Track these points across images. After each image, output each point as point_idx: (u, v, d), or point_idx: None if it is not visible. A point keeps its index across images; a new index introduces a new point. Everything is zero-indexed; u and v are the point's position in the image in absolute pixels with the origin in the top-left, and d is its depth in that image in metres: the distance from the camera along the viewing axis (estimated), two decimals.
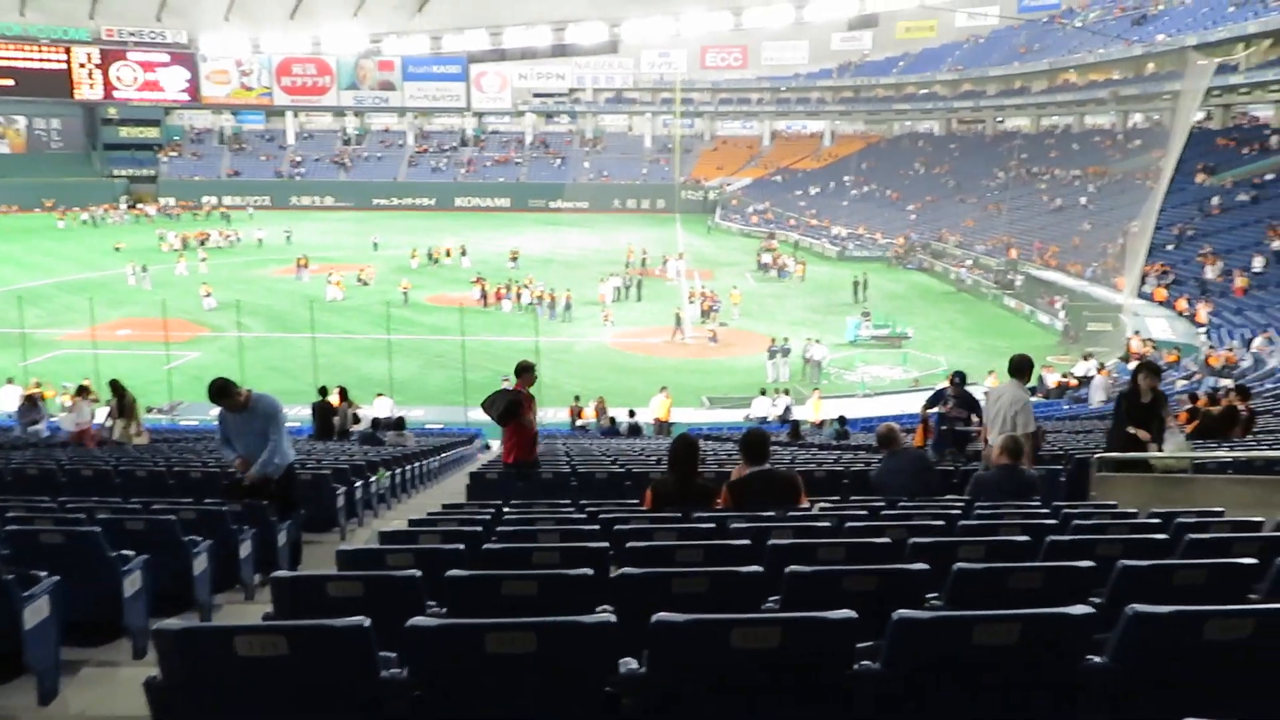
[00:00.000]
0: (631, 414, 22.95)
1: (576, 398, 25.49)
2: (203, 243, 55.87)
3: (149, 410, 26.01)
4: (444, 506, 7.45)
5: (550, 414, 26.23)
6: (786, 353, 30.87)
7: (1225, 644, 2.34)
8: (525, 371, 9.40)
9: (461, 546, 4.38)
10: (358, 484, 10.11)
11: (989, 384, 23.54)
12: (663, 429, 23.67)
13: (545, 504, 7.11)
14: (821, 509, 6.26)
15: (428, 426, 24.55)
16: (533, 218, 73.41)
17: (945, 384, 12.01)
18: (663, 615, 2.33)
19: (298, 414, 23.86)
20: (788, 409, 24.96)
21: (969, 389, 11.74)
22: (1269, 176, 43.69)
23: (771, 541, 4.23)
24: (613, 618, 2.49)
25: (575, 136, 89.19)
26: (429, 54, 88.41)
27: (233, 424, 7.40)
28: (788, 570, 3.27)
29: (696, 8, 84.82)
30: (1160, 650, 2.35)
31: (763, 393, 25.96)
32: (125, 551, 4.91)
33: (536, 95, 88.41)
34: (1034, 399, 21.55)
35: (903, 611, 2.36)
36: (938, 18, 77.14)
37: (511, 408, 9.11)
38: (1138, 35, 55.83)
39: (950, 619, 2.32)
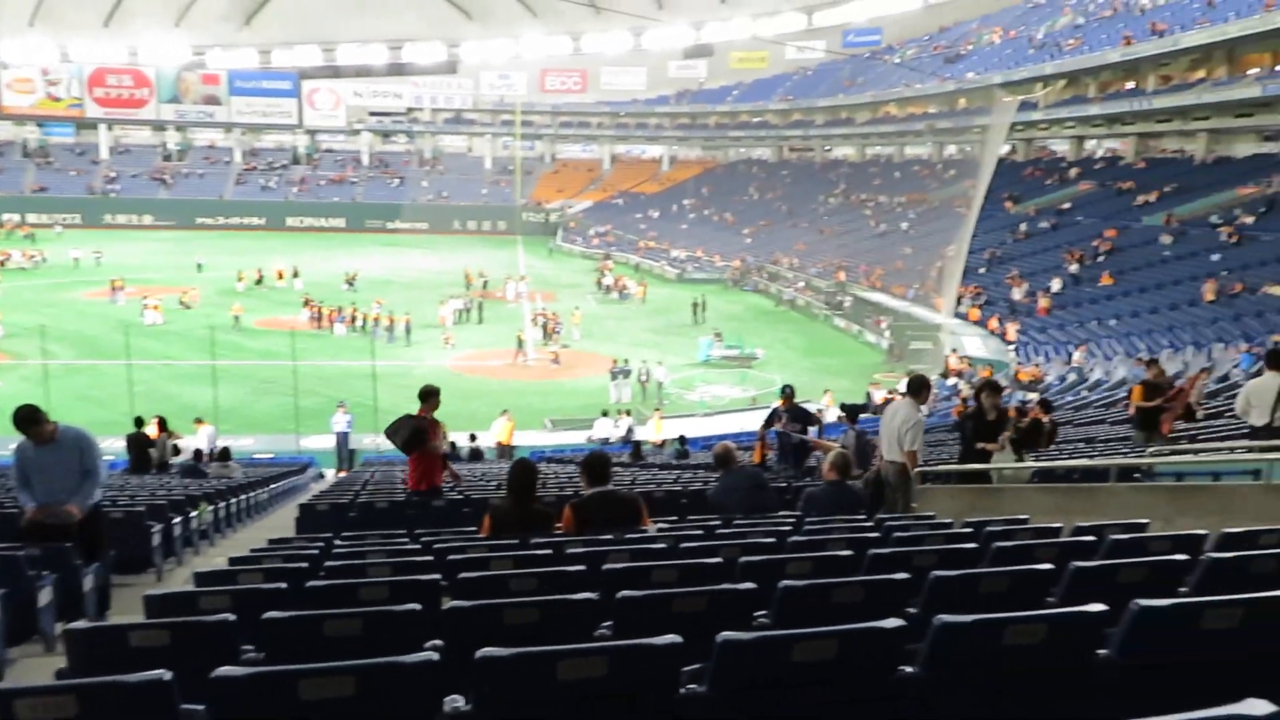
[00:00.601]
0: (473, 438, 22.61)
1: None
2: (1, 264, 51.64)
3: None
4: (270, 542, 7.10)
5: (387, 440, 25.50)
6: (628, 374, 31.20)
7: (1023, 648, 2.49)
8: (430, 396, 9.18)
9: (284, 585, 4.18)
10: (176, 521, 9.49)
11: (825, 402, 24.50)
12: (505, 453, 23.41)
13: (379, 535, 6.88)
14: (659, 530, 6.33)
15: (256, 456, 23.40)
16: (370, 239, 71.50)
17: (779, 402, 12.36)
18: (487, 651, 2.28)
19: (111, 446, 22.36)
20: (630, 430, 25.19)
21: (805, 405, 12.17)
22: (1066, 205, 47.49)
23: (606, 566, 4.24)
24: (435, 656, 2.41)
25: (414, 156, 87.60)
26: (258, 68, 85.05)
27: (34, 460, 6.65)
28: (619, 596, 3.27)
29: (535, 31, 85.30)
30: (965, 657, 2.48)
31: (604, 414, 26.11)
32: None
33: (373, 114, 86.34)
34: (864, 415, 22.53)
35: (726, 634, 2.39)
36: (768, 50, 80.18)
37: (417, 435, 8.90)
38: (950, 73, 59.74)
39: (771, 639, 2.37)
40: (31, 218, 70.66)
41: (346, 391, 27.51)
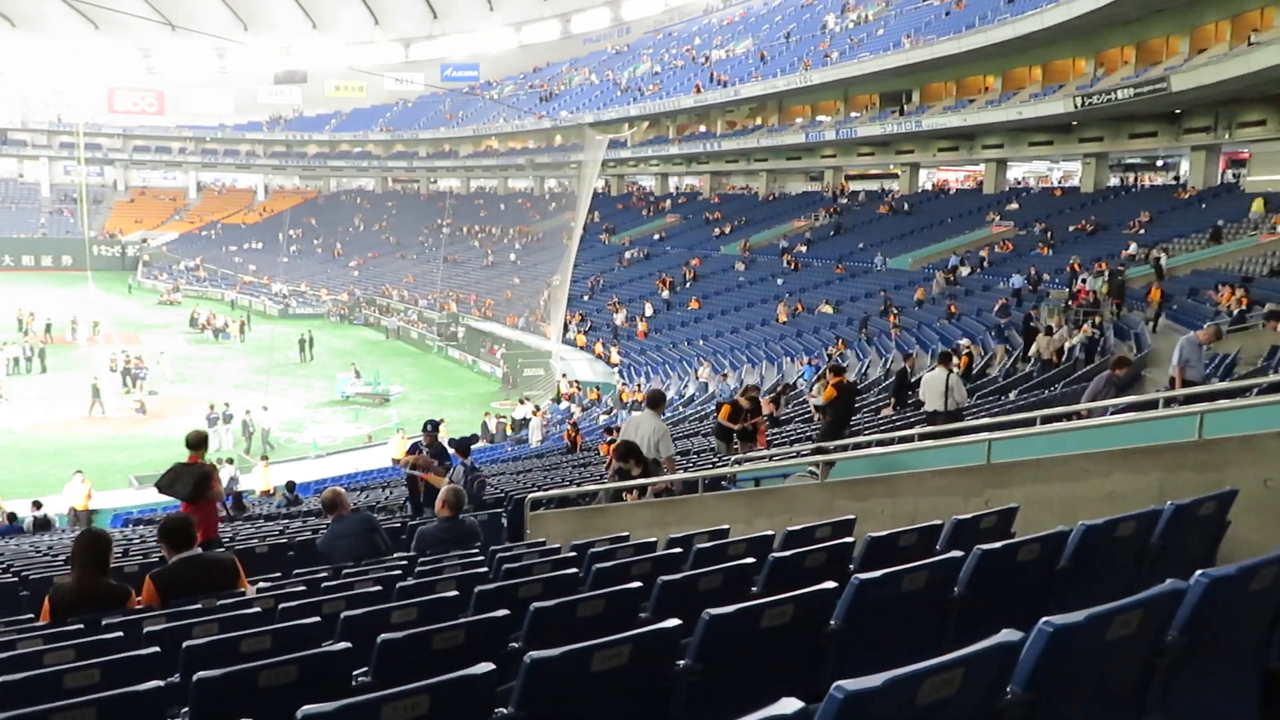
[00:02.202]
0: (37, 505, 19.57)
1: None
2: None
3: None
4: None
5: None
6: (229, 419, 28.86)
7: (609, 671, 2.61)
8: (202, 444, 8.84)
9: None
10: None
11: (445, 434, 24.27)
12: (80, 519, 20.55)
13: None
14: (260, 590, 5.87)
15: None
16: None
17: (423, 437, 12.01)
18: None
19: None
20: (233, 479, 23.23)
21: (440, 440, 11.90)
22: (657, 236, 51.62)
23: (187, 643, 3.83)
24: None
25: None
26: None
27: None
28: (196, 678, 2.96)
29: (98, 44, 76.37)
30: (557, 691, 2.54)
31: None
32: None
33: None
34: (478, 444, 22.74)
35: (307, 708, 2.24)
36: (366, 80, 78.72)
37: (202, 481, 8.27)
38: (546, 110, 62.59)
39: (355, 706, 2.26)
40: None
41: None
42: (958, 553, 3.56)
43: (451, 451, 11.08)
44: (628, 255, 49.31)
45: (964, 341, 23.01)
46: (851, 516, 5.55)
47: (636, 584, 3.87)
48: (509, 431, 29.69)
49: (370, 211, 74.84)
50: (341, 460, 27.25)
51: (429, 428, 11.69)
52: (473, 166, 73.70)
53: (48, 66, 76.00)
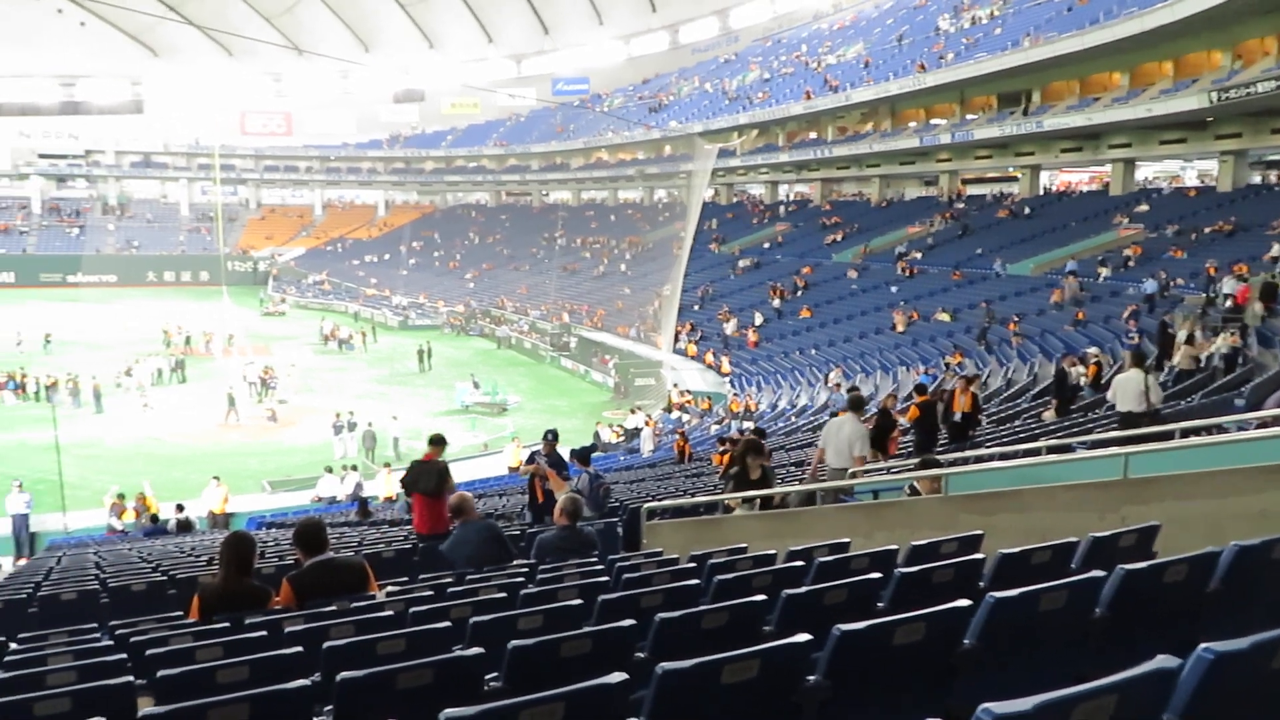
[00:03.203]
0: (180, 509, 20.70)
1: (120, 496, 22.47)
2: None
3: None
4: None
5: (79, 518, 22.89)
6: (353, 427, 29.91)
7: (740, 685, 2.61)
8: (441, 443, 9.75)
9: None
10: None
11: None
12: (219, 522, 21.65)
13: (65, 633, 6.09)
14: (389, 593, 6.07)
15: None
16: (46, 294, 64.11)
17: (542, 446, 12.09)
18: None
19: None
20: (358, 485, 24.11)
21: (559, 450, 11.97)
22: (766, 245, 51.31)
23: (328, 644, 3.99)
24: None
25: (96, 203, 79.73)
26: None
27: None
28: (339, 678, 3.08)
29: (232, 71, 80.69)
30: (687, 702, 2.55)
31: (328, 470, 24.83)
32: None
33: (43, 156, 77.83)
34: (596, 454, 22.96)
35: (449, 712, 2.31)
36: (480, 97, 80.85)
37: (443, 478, 9.21)
38: (655, 121, 62.98)
39: (494, 711, 2.32)
40: None
41: (24, 468, 24.39)
42: (1099, 572, 3.43)
43: (571, 461, 11.20)
44: (741, 264, 49.12)
45: (1092, 350, 22.09)
46: (978, 532, 5.40)
47: (760, 597, 3.85)
48: (615, 439, 29.91)
49: (485, 224, 76.67)
50: (458, 468, 27.83)
51: (550, 437, 11.79)
52: (583, 178, 74.74)
53: (186, 92, 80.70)
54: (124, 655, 4.53)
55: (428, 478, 9.28)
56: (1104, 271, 31.07)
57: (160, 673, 3.68)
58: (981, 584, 4.20)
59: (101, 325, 52.19)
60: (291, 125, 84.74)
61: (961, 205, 45.66)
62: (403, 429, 30.30)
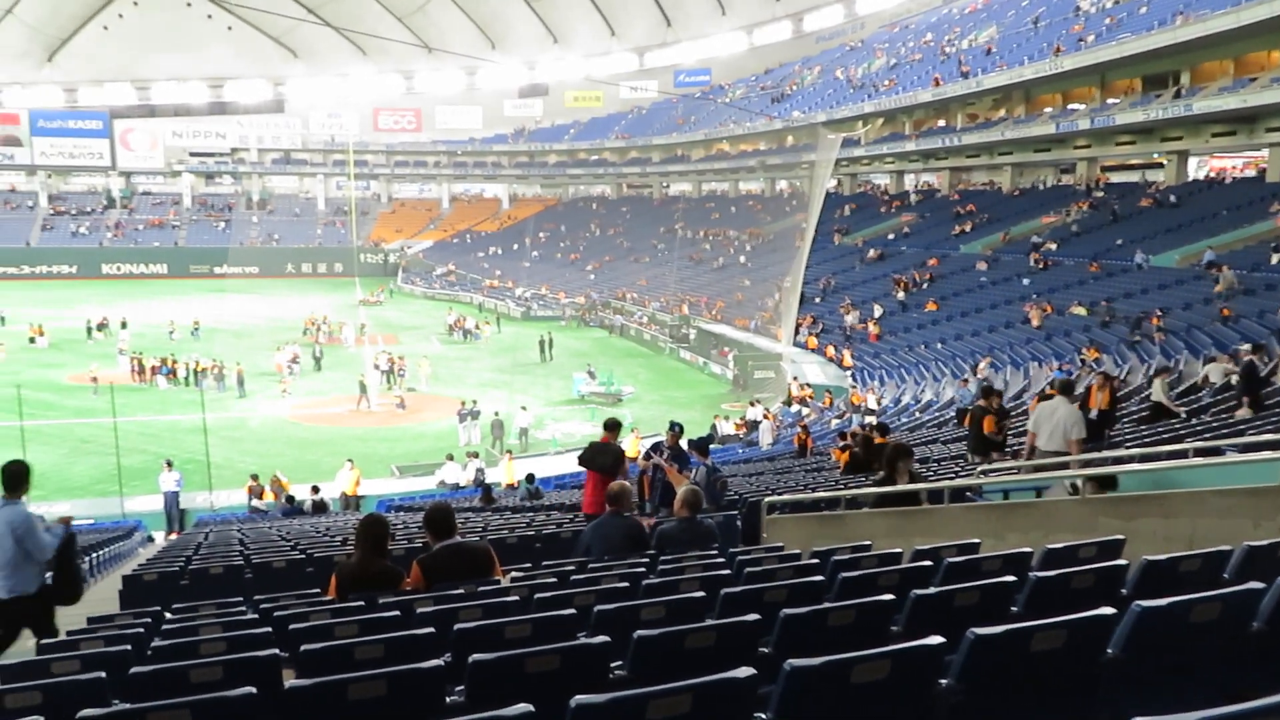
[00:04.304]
0: (315, 490, 21.67)
1: (254, 476, 23.72)
2: None
3: None
4: (90, 620, 6.55)
5: (224, 496, 24.24)
6: (476, 415, 30.68)
7: (869, 685, 2.56)
8: (617, 428, 10.29)
9: (103, 674, 3.84)
10: None
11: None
12: (351, 504, 22.58)
13: (213, 605, 6.46)
14: (513, 579, 6.20)
15: (75, 523, 21.66)
16: (195, 285, 68.05)
17: (666, 437, 12.06)
18: None
19: None
20: (479, 472, 24.75)
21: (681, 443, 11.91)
22: (890, 236, 50.14)
23: (458, 626, 4.10)
24: None
25: (241, 198, 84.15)
26: (64, 108, 80.00)
27: None
28: (471, 660, 3.17)
29: (365, 70, 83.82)
30: (816, 700, 2.52)
31: (450, 457, 25.55)
32: None
33: (194, 154, 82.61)
34: (713, 446, 22.92)
35: (580, 698, 2.35)
36: (603, 89, 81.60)
37: (619, 459, 9.65)
38: (777, 111, 62.30)
39: (623, 700, 2.34)
40: None
41: (174, 448, 25.97)
42: (1257, 584, 3.22)
43: (691, 453, 11.19)
44: (870, 254, 48.14)
45: (1245, 347, 20.77)
46: (1119, 537, 5.15)
47: (888, 596, 3.77)
48: (736, 431, 29.78)
49: (606, 216, 77.41)
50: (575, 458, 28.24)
51: (675, 429, 11.72)
52: (704, 170, 74.57)
53: (323, 91, 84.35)
54: (268, 629, 4.77)
55: (604, 457, 9.67)
56: (1276, 258, 28.94)
57: (303, 647, 3.86)
58: (1124, 591, 4.01)
59: (246, 314, 55.06)
60: (421, 121, 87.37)
61: (1101, 194, 43.57)
62: (530, 418, 30.87)
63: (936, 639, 2.70)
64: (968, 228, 45.94)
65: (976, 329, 34.67)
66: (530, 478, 19.96)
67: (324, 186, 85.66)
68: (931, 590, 3.86)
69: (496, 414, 30.50)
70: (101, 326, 46.56)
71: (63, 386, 36.23)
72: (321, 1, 76.68)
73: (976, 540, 5.86)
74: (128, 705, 3.17)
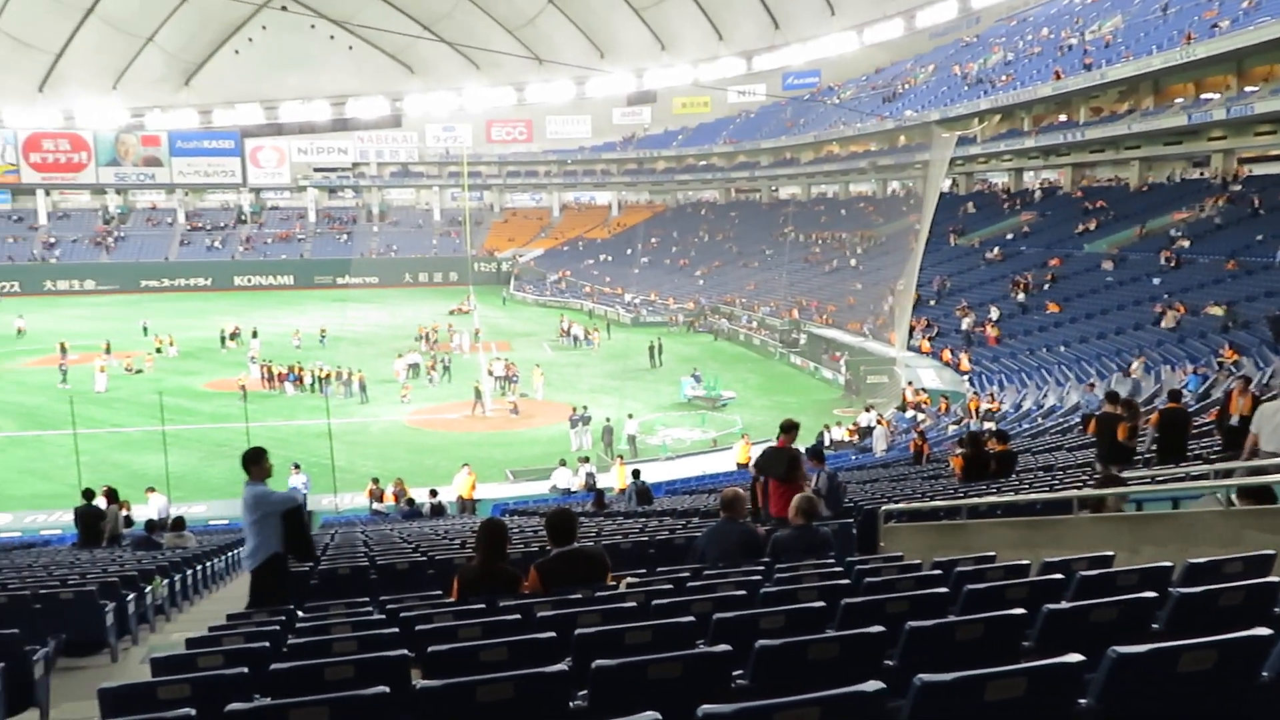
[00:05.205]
0: (433, 494, 22.28)
1: (375, 480, 24.54)
2: None
3: None
4: (229, 617, 6.88)
5: (347, 499, 25.15)
6: (588, 421, 31.01)
7: (1003, 703, 2.47)
8: (793, 429, 9.91)
9: (245, 669, 4.03)
10: (130, 597, 9.19)
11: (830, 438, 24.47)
12: (466, 507, 23.11)
13: (342, 604, 6.70)
14: (629, 584, 6.24)
15: (211, 523, 22.85)
16: (319, 295, 70.88)
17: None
18: None
19: (59, 520, 21.69)
20: (590, 476, 25.00)
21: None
22: (1009, 236, 48.55)
23: (579, 631, 4.15)
24: None
25: (361, 211, 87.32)
26: (199, 129, 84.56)
27: None
28: (594, 666, 3.20)
29: (479, 83, 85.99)
30: (945, 717, 2.46)
31: (562, 463, 25.90)
32: None
33: (318, 170, 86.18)
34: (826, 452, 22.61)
35: (707, 708, 2.34)
36: (710, 94, 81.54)
37: (794, 464, 9.39)
38: (889, 111, 61.10)
39: (750, 710, 2.32)
40: None
41: (301, 451, 27.07)
42: None
43: (808, 461, 11.05)
44: (992, 253, 46.73)
45: None
46: (1269, 552, 4.86)
47: (1018, 610, 3.65)
48: (849, 438, 29.29)
49: (714, 222, 77.30)
50: (689, 463, 28.31)
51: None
52: (813, 173, 73.70)
53: (438, 105, 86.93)
54: (395, 629, 4.92)
55: (778, 463, 9.44)
56: None
57: (430, 648, 3.97)
58: (1278, 610, 3.77)
59: (367, 322, 57.06)
60: (532, 132, 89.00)
61: (1239, 187, 41.22)
62: (637, 425, 31.03)
63: (1075, 657, 2.59)
64: (1092, 225, 44.12)
65: (1103, 330, 33.24)
66: (636, 473, 19.95)
67: (439, 198, 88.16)
68: (1065, 605, 3.71)
69: (607, 420, 30.75)
70: (234, 335, 48.91)
71: (198, 392, 38.22)
72: (437, 18, 79.00)
73: (1110, 553, 5.61)
74: (270, 701, 3.31)
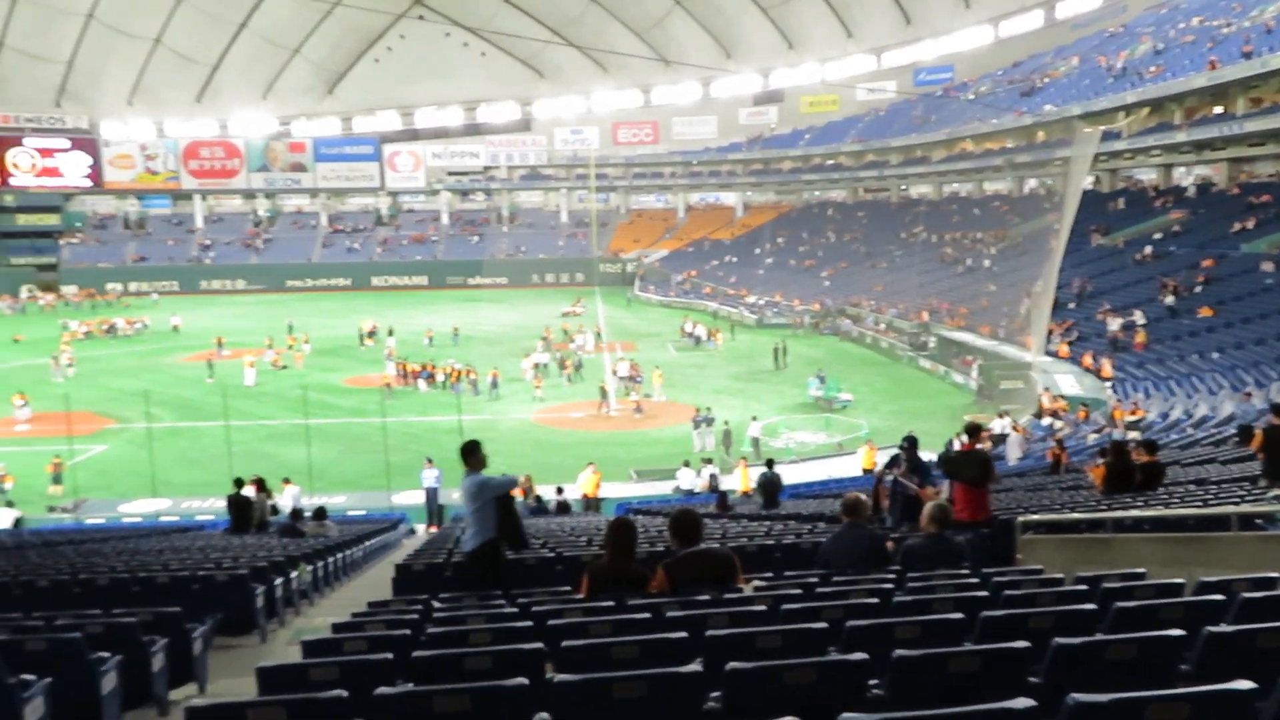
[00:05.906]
0: (559, 491, 22.66)
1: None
2: (109, 330, 54.47)
3: (50, 510, 24.85)
4: (370, 605, 7.18)
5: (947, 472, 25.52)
6: (710, 422, 30.96)
7: None
8: (978, 431, 10.22)
9: (390, 655, 4.20)
10: (278, 581, 9.71)
11: (957, 445, 23.85)
12: (591, 505, 23.42)
13: (476, 597, 6.91)
14: (756, 588, 6.21)
15: (350, 514, 23.87)
16: (451, 295, 73.08)
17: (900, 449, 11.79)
18: None
19: (213, 506, 23.04)
20: (713, 478, 24.95)
21: (919, 455, 11.62)
22: (1157, 235, 46.06)
23: (710, 632, 4.16)
24: None
25: (491, 213, 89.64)
26: (340, 135, 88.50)
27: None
28: (729, 668, 3.20)
29: (606, 86, 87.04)
30: None
31: (686, 464, 25.91)
32: (26, 676, 4.58)
33: (451, 174, 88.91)
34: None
35: (847, 716, 2.31)
36: (839, 93, 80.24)
37: (987, 465, 9.46)
38: (1027, 106, 58.79)
39: None
40: (132, 286, 74.45)
41: (434, 447, 27.92)
42: None
43: (935, 468, 10.79)
44: (1141, 253, 44.45)
45: None
46: None
47: (1175, 631, 3.46)
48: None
49: (841, 222, 76.06)
50: (813, 466, 27.94)
51: (906, 444, 11.47)
52: (945, 171, 71.58)
53: (566, 109, 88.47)
54: (529, 623, 5.04)
55: (969, 467, 9.40)
56: None
57: (564, 643, 4.04)
58: None
59: (497, 321, 58.53)
60: (658, 133, 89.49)
61: None
62: (760, 427, 30.78)
63: (1245, 684, 2.44)
64: (1250, 224, 41.41)
65: (1262, 336, 31.16)
66: (770, 462, 19.58)
67: (566, 200, 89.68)
68: (1227, 628, 3.50)
69: (725, 424, 30.63)
70: (371, 334, 50.89)
71: (339, 388, 39.95)
72: (565, 23, 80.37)
73: (1275, 574, 5.27)
74: (414, 687, 3.44)
